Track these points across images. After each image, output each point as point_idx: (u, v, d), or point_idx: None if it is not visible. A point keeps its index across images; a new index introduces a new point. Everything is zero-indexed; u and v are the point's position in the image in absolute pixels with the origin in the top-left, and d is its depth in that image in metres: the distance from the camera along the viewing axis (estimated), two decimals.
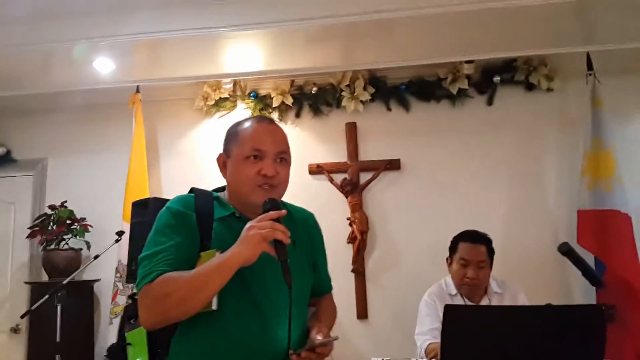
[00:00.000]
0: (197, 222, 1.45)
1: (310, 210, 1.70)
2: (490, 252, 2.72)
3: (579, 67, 3.40)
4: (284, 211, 1.36)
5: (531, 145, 3.58)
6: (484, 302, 2.68)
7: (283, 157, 1.51)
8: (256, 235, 1.29)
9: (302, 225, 1.60)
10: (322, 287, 1.68)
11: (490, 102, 3.63)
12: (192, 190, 1.56)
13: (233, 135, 1.54)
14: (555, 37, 3.22)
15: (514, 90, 3.62)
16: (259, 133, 1.51)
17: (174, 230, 1.43)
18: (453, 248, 2.77)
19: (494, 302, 2.66)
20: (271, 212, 1.35)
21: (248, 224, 1.34)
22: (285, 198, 1.62)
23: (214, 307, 1.36)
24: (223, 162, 1.56)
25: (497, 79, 3.57)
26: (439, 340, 2.49)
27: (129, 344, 1.67)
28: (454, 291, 2.71)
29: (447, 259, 2.81)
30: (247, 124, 1.54)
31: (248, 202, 1.47)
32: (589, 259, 3.14)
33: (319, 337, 1.41)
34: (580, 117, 3.43)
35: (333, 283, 1.74)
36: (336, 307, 1.74)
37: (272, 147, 1.49)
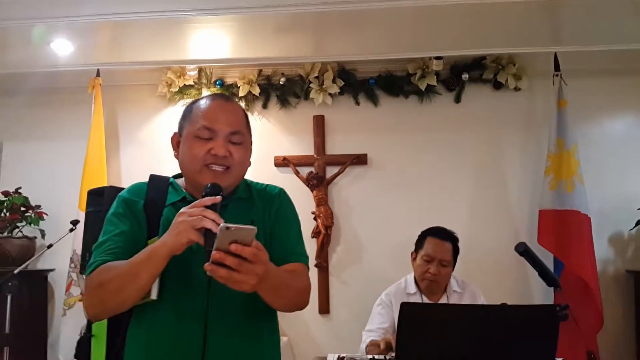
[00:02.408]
0: (145, 210, 1.41)
1: None
2: (455, 252, 2.74)
3: (546, 68, 3.43)
4: (218, 197, 1.26)
5: (496, 144, 3.59)
6: (443, 300, 2.72)
7: (237, 138, 1.41)
8: (183, 222, 1.21)
9: (262, 202, 1.49)
10: (284, 257, 1.42)
11: (458, 100, 3.62)
12: (150, 177, 1.50)
13: (187, 112, 1.47)
14: (524, 37, 3.22)
15: (482, 88, 3.62)
16: (212, 110, 1.42)
17: (120, 218, 1.40)
18: (419, 243, 2.78)
19: (453, 301, 2.70)
20: (205, 199, 1.26)
21: (180, 211, 1.26)
22: None
23: (153, 296, 1.29)
24: (177, 141, 1.48)
25: (465, 76, 3.55)
26: (382, 336, 2.51)
27: (93, 335, 1.66)
28: (413, 290, 2.74)
29: (412, 253, 2.82)
30: (202, 101, 1.47)
31: (196, 184, 1.39)
32: (549, 257, 3.18)
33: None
34: (545, 117, 3.46)
35: None
36: (302, 278, 1.44)
37: (225, 126, 1.40)
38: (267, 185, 1.56)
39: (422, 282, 2.70)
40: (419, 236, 2.81)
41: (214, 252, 1.12)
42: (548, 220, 3.24)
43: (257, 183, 1.56)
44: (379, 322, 2.64)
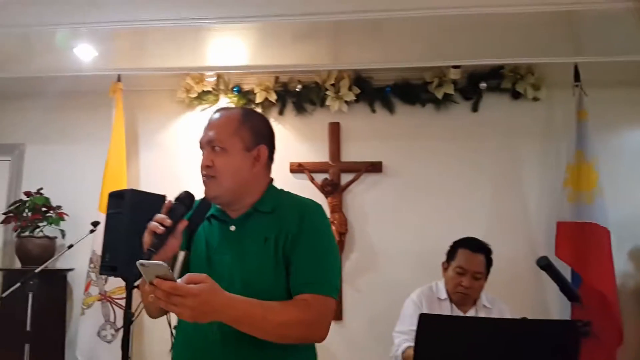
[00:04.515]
0: (190, 221, 1.44)
1: None
2: (488, 263, 2.66)
3: (566, 78, 3.40)
4: (167, 202, 1.37)
5: (514, 154, 3.57)
6: (471, 312, 2.65)
7: (214, 144, 1.45)
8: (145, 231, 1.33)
9: (287, 219, 1.44)
10: (295, 287, 1.39)
11: (475, 109, 3.61)
12: None
13: None
14: (544, 47, 3.20)
15: (500, 97, 3.60)
16: (205, 125, 1.52)
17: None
18: (452, 254, 2.70)
19: (481, 316, 2.62)
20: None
21: None
22: None
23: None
24: None
25: (483, 85, 3.54)
26: None
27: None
28: (443, 295, 2.67)
29: (443, 263, 2.75)
30: None
31: None
32: (566, 270, 3.14)
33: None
34: (564, 128, 3.43)
35: None
36: (300, 310, 1.34)
37: (204, 137, 1.48)
38: (303, 198, 1.52)
39: (455, 295, 2.62)
40: (451, 246, 2.72)
41: (146, 286, 1.22)
42: (566, 232, 3.20)
43: (295, 195, 1.54)
44: (411, 324, 2.49)
